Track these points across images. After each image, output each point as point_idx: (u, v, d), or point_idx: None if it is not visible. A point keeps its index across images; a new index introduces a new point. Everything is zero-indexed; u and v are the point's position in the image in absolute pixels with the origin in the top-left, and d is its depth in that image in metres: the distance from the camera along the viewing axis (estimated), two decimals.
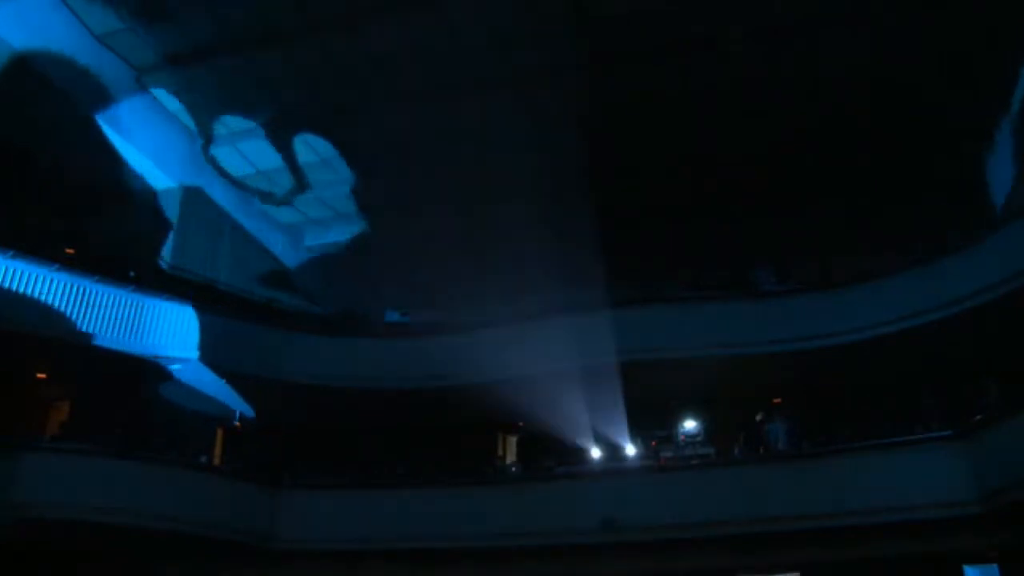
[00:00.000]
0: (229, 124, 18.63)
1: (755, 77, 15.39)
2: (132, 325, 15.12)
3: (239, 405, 17.38)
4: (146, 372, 15.56)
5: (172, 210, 18.78)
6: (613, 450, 16.82)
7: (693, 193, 17.97)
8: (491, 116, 16.54)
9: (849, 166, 17.26)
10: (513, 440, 19.19)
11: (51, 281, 14.24)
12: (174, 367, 15.64)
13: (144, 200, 18.37)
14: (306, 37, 15.58)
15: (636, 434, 16.73)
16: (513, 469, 17.61)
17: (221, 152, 19.27)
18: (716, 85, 15.62)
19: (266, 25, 15.47)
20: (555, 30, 14.41)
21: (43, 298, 14.09)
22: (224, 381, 16.18)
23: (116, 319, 14.95)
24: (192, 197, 19.02)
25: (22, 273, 13.92)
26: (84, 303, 14.60)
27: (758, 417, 16.03)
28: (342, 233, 21.74)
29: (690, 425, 16.79)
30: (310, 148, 19.00)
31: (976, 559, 13.16)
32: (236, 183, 20.11)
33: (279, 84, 17.12)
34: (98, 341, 14.52)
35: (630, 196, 17.97)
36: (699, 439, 16.54)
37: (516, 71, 15.52)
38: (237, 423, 18.10)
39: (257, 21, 15.44)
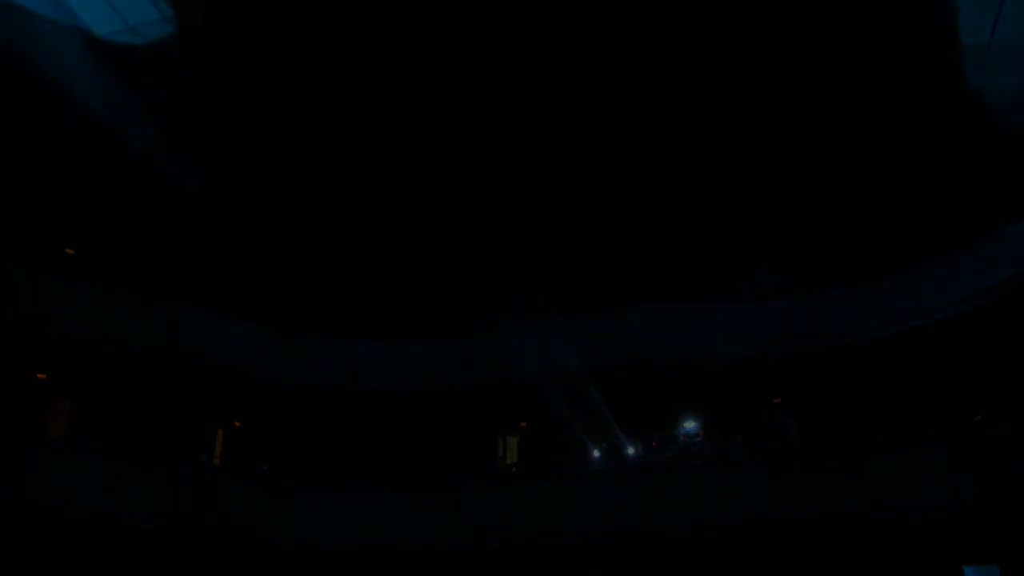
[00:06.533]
0: None
1: (756, 76, 15.39)
2: None
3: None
4: None
5: None
6: (613, 450, 16.83)
7: (695, 192, 17.94)
8: None
9: (851, 166, 17.22)
10: (514, 440, 19.19)
11: None
12: None
13: None
14: None
15: (636, 434, 16.74)
16: (513, 469, 17.61)
17: None
18: (716, 85, 15.63)
19: None
20: None
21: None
22: None
23: None
24: None
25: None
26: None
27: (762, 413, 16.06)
28: None
29: (690, 425, 16.80)
30: None
31: (976, 559, 13.15)
32: None
33: None
34: None
35: (632, 196, 17.94)
36: (699, 439, 16.55)
37: None
38: (237, 423, 18.08)
39: None
